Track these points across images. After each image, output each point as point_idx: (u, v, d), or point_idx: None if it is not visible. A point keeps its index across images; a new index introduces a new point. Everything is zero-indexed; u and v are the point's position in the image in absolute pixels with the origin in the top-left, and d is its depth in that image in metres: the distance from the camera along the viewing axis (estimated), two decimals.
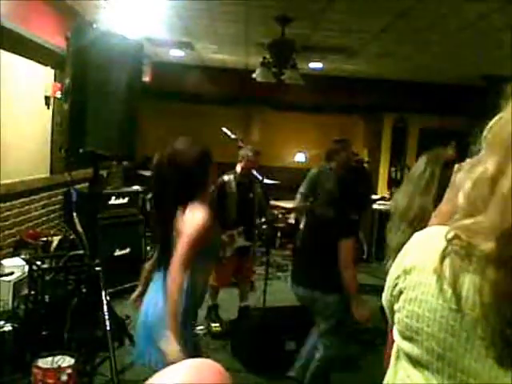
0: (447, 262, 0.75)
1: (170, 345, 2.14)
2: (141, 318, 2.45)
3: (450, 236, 0.76)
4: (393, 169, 9.14)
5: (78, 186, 5.53)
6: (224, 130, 5.82)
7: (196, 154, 2.40)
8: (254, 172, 5.10)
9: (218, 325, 4.80)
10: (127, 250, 5.63)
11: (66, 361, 3.08)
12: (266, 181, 6.03)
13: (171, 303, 2.20)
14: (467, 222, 0.75)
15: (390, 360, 0.94)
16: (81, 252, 3.91)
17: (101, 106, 3.32)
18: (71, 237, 4.54)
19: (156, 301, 2.37)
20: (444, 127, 8.50)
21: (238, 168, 4.90)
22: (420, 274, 0.82)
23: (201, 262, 2.34)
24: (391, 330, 1.13)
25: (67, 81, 3.36)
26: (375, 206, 7.45)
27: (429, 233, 0.88)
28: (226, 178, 4.85)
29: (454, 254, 0.75)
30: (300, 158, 10.15)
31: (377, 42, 5.81)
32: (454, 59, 6.55)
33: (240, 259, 4.88)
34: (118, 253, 5.50)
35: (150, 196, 7.18)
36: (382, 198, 7.39)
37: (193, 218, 2.30)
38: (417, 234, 0.89)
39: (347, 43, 6.02)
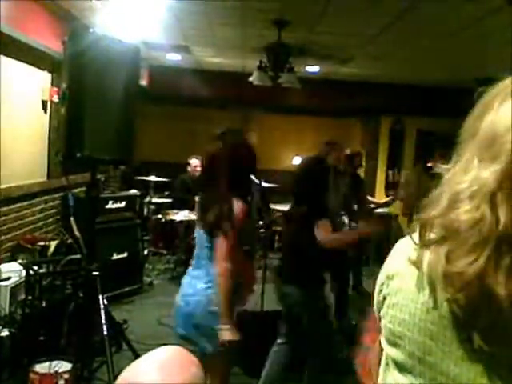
0: (425, 261, 0.77)
1: (227, 329, 2.55)
2: (182, 307, 2.72)
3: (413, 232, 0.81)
4: (390, 171, 9.15)
5: (75, 191, 5.52)
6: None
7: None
8: (252, 176, 5.09)
9: None
10: (125, 254, 5.62)
11: (64, 366, 3.06)
12: (264, 184, 6.04)
13: (225, 293, 2.57)
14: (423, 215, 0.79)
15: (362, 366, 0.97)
16: (78, 256, 3.90)
17: (98, 110, 3.31)
18: (68, 241, 4.53)
19: (194, 289, 2.69)
20: (441, 129, 8.52)
21: None
22: (401, 279, 0.84)
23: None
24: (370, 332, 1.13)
25: (64, 85, 3.36)
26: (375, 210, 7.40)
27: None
28: None
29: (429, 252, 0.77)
30: (298, 161, 10.14)
31: (373, 45, 5.82)
32: (451, 61, 6.56)
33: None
34: (115, 257, 5.49)
35: (147, 200, 7.20)
36: (385, 204, 7.24)
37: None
38: (401, 241, 0.90)
39: (344, 46, 6.03)
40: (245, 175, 2.88)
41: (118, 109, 3.43)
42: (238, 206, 2.64)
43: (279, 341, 3.60)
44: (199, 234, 2.80)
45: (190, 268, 2.84)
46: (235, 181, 2.72)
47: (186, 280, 2.81)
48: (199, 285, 2.69)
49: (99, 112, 3.32)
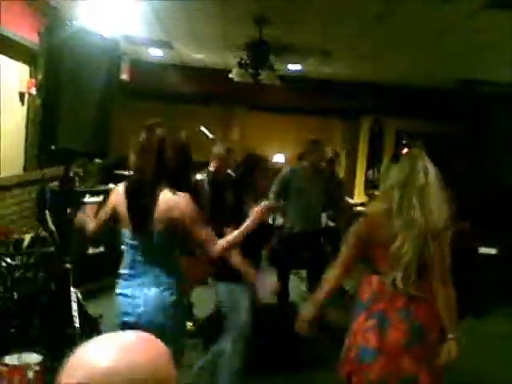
0: None
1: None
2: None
3: None
4: (369, 171, 9.22)
5: (52, 184, 5.46)
6: (202, 128, 5.81)
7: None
8: (230, 171, 5.10)
9: (191, 323, 4.79)
10: (101, 249, 5.59)
11: (34, 358, 3.04)
12: None
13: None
14: None
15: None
16: (51, 249, 3.88)
17: (74, 102, 3.29)
18: (43, 234, 4.49)
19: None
20: (420, 129, 8.63)
21: (211, 167, 4.86)
22: None
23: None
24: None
25: (40, 76, 3.34)
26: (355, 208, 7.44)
27: None
28: (198, 176, 4.83)
29: None
30: (279, 158, 10.19)
31: (354, 45, 5.87)
32: (431, 63, 6.64)
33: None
34: (91, 251, 5.47)
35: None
36: (362, 204, 7.31)
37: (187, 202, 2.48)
38: None
39: (325, 45, 6.07)
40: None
41: (94, 102, 3.42)
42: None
43: None
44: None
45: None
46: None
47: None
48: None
49: (75, 104, 3.30)
